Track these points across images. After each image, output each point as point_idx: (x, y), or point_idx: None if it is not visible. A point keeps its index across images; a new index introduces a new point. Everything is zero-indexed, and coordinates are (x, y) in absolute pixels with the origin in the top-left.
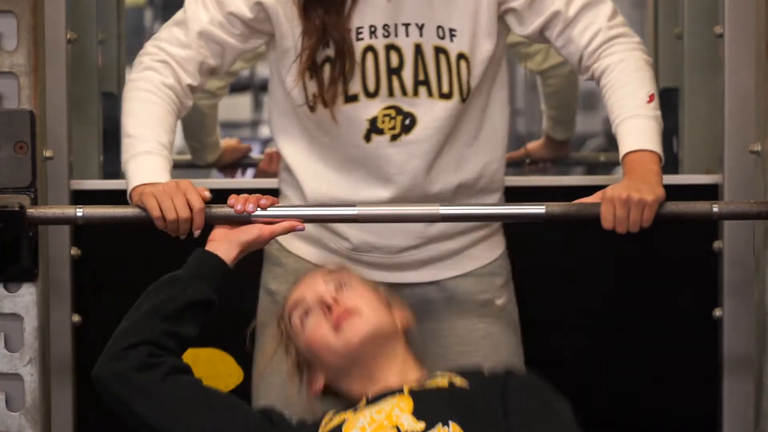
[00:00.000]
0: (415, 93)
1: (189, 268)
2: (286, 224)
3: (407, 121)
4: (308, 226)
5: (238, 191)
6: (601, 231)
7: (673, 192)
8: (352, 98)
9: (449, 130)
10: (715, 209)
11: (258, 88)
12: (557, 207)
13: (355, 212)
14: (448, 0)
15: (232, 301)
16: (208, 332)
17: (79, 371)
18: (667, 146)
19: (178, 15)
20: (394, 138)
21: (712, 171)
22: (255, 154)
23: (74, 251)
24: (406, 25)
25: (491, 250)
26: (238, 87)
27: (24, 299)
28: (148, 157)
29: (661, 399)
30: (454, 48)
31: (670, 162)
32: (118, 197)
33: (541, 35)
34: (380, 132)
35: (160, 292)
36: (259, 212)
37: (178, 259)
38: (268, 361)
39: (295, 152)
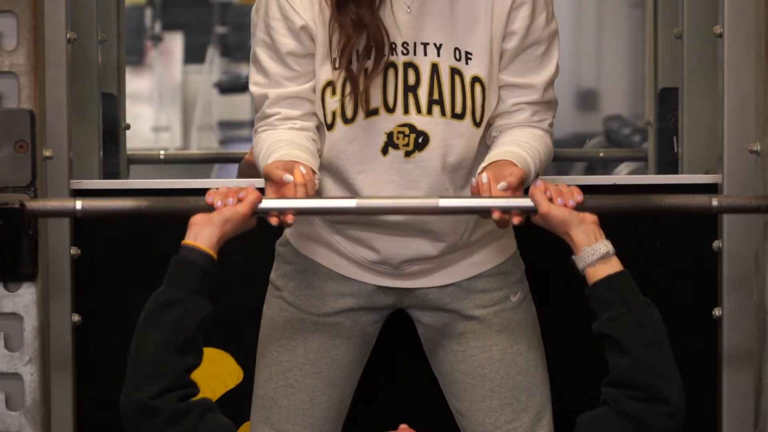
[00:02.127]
0: (429, 112)
1: (177, 282)
2: (254, 197)
3: (420, 139)
4: (324, 232)
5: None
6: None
7: (673, 191)
8: (373, 112)
9: (462, 151)
10: (714, 203)
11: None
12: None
13: (354, 204)
14: (468, 23)
15: (232, 301)
16: (207, 332)
17: (78, 371)
18: (667, 146)
19: (258, 95)
20: (407, 154)
21: (711, 171)
22: None
23: (74, 251)
24: (425, 44)
25: (503, 250)
26: (237, 87)
27: (24, 299)
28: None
29: None
30: (469, 71)
31: (670, 162)
32: (118, 197)
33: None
34: (396, 147)
35: (163, 317)
36: (262, 206)
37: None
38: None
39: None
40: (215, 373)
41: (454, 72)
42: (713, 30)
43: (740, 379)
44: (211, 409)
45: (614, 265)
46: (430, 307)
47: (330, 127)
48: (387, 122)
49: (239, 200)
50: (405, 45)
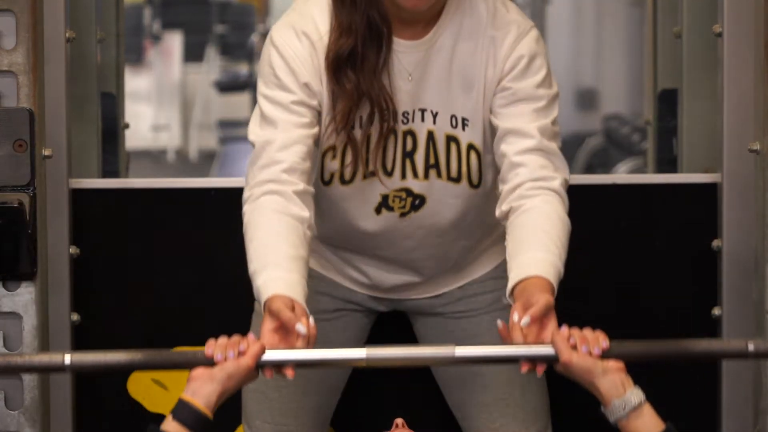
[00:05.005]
0: (426, 176)
1: None
2: (257, 349)
3: (417, 202)
4: (316, 246)
5: (237, 189)
6: (601, 231)
7: (672, 191)
8: (370, 174)
9: (459, 209)
10: (751, 347)
11: (256, 87)
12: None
13: (363, 356)
14: (465, 88)
15: (231, 301)
16: (207, 331)
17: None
18: (667, 146)
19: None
20: (403, 215)
21: (711, 170)
22: None
23: (73, 250)
24: (423, 110)
25: (495, 257)
26: (236, 86)
27: (23, 298)
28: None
29: (660, 398)
30: (465, 138)
31: (669, 161)
32: (117, 196)
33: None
34: (390, 209)
35: None
36: (265, 358)
37: (173, 256)
38: None
39: None
40: None
41: (450, 139)
42: (713, 29)
43: (739, 379)
44: None
45: (650, 419)
46: (421, 312)
47: (326, 183)
48: (384, 185)
49: (240, 353)
50: (405, 114)
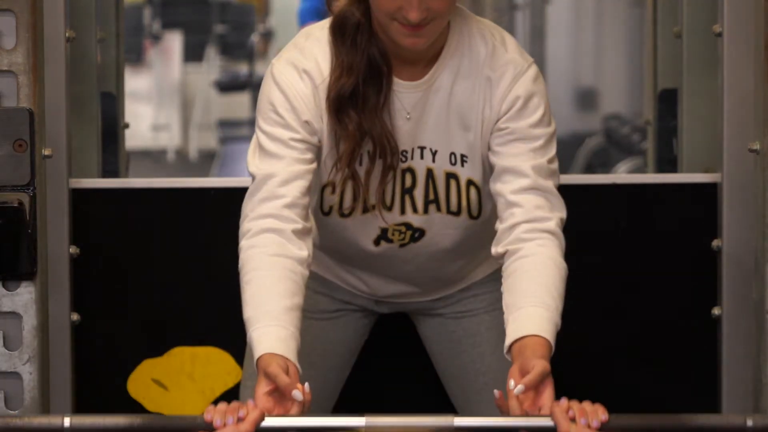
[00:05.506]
0: (425, 211)
1: None
2: (256, 416)
3: (416, 234)
4: (317, 252)
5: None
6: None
7: (672, 191)
8: (369, 209)
9: (458, 239)
10: (749, 423)
11: (256, 87)
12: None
13: (362, 423)
14: (463, 127)
15: (231, 301)
16: (207, 331)
17: (78, 370)
18: (667, 146)
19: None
20: (402, 246)
21: (711, 170)
22: None
23: (73, 250)
24: (422, 148)
25: (495, 263)
26: (236, 86)
27: (23, 297)
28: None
29: (660, 398)
30: (464, 174)
31: (669, 161)
32: (117, 196)
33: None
34: (389, 241)
35: None
36: (264, 425)
37: (174, 256)
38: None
39: None
40: (214, 372)
41: (450, 176)
42: (713, 29)
43: (739, 379)
44: None
45: None
46: (422, 313)
47: (325, 214)
48: (383, 219)
49: (240, 419)
50: (404, 152)
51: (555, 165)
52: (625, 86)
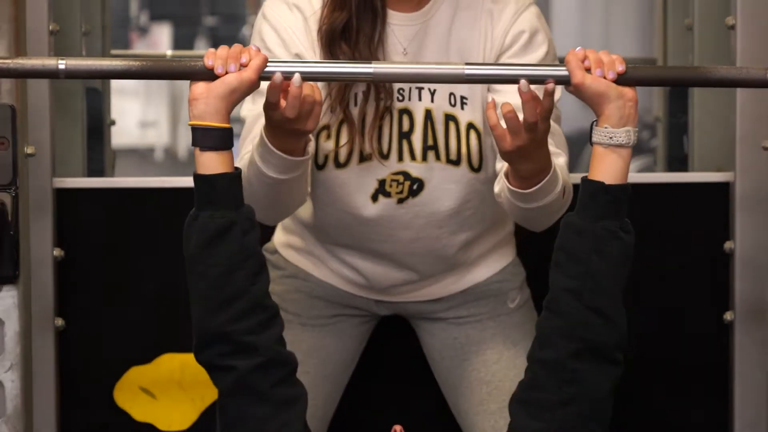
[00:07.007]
0: (424, 158)
1: (221, 202)
2: (259, 61)
3: (415, 186)
4: (314, 248)
5: None
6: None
7: (683, 190)
8: (366, 158)
9: (459, 195)
10: None
11: None
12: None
13: (371, 70)
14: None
15: None
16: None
17: (62, 377)
18: (677, 143)
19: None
20: (400, 201)
21: (723, 168)
22: None
23: (57, 252)
24: (420, 88)
25: (502, 259)
26: None
27: (5, 302)
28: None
29: (672, 403)
30: (464, 117)
31: (680, 159)
32: (103, 196)
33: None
34: (387, 195)
35: (221, 248)
36: (269, 69)
37: (162, 260)
38: None
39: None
40: (205, 380)
41: (449, 118)
42: (725, 21)
43: (752, 385)
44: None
45: (622, 167)
46: (424, 318)
47: (320, 167)
48: (380, 169)
49: (242, 65)
50: (401, 91)
51: (559, 111)
52: None
